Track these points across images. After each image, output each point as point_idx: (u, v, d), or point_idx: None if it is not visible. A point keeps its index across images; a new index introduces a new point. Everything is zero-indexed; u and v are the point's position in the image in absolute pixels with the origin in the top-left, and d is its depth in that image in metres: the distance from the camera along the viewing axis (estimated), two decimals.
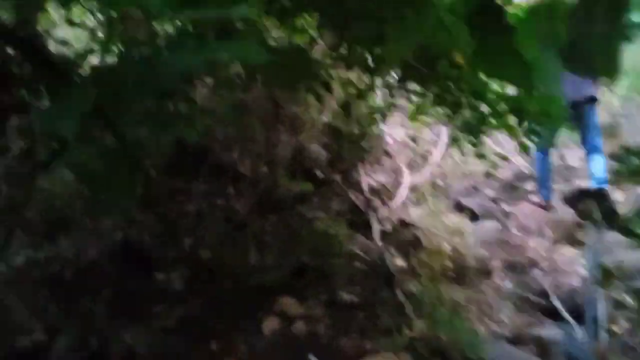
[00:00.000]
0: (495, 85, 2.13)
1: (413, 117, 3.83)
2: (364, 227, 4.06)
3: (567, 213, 4.91)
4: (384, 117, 4.45)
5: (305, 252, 3.55)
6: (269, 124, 4.29)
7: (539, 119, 2.03)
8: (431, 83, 2.58)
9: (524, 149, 2.98)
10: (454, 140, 3.91)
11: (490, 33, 1.50)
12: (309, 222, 3.82)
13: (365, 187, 4.45)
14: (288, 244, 3.59)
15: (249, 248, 3.49)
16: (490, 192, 5.42)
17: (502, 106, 2.13)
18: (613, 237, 4.37)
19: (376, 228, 3.96)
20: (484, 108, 2.31)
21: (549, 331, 3.15)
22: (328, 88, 2.34)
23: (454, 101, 2.70)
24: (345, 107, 3.88)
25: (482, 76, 1.93)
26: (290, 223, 3.82)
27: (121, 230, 3.37)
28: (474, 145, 2.78)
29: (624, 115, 6.88)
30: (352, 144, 4.49)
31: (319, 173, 4.33)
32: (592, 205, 5.10)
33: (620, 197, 5.30)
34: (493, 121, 2.28)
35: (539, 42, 1.50)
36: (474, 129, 2.74)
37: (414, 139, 5.42)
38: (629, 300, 3.57)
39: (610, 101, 7.15)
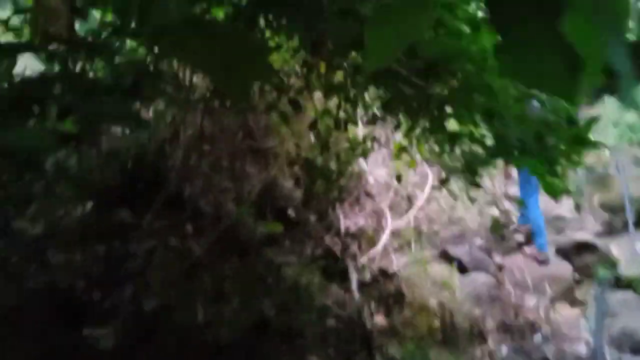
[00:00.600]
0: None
1: (397, 155, 3.39)
2: (340, 277, 3.54)
3: (564, 267, 4.47)
4: (365, 153, 3.99)
5: (270, 305, 3.00)
6: (237, 155, 3.81)
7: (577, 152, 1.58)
8: (421, 107, 2.13)
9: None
10: (442, 182, 3.47)
11: (527, 15, 1.04)
12: (276, 268, 3.29)
13: (342, 230, 3.95)
14: (250, 294, 3.04)
15: (203, 297, 2.93)
16: (479, 241, 4.96)
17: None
18: (617, 296, 3.92)
19: (354, 278, 3.44)
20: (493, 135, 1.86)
21: None
22: (297, 106, 1.87)
23: (450, 134, 2.26)
24: (323, 140, 3.42)
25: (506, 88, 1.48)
26: (254, 269, 3.28)
27: (47, 271, 2.80)
28: (474, 184, 2.32)
29: (615, 165, 6.58)
30: (330, 182, 4.02)
31: (291, 212, 3.83)
32: (591, 260, 4.68)
33: (615, 251, 4.89)
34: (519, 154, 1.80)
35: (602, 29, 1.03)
36: (474, 166, 2.29)
37: (398, 178, 4.98)
38: None
39: (600, 152, 6.87)
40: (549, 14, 1.00)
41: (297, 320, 2.88)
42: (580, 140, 1.58)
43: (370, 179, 4.95)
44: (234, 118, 3.92)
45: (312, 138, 3.70)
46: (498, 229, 2.01)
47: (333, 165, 3.96)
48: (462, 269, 4.27)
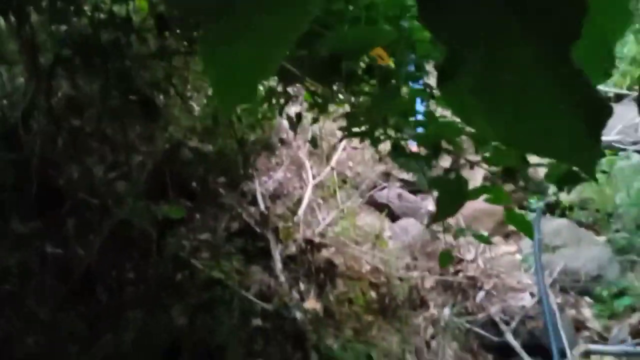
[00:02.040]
0: None
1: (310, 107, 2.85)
2: (262, 255, 3.09)
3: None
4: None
5: (182, 313, 2.52)
6: (119, 123, 3.12)
7: None
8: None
9: None
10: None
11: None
12: (183, 264, 2.77)
13: (260, 196, 3.45)
14: (156, 304, 2.54)
15: (92, 323, 2.40)
16: (407, 176, 4.65)
17: None
18: (552, 225, 3.79)
19: (277, 257, 3.00)
20: None
21: None
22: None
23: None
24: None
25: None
26: (158, 268, 2.75)
27: None
28: None
29: None
30: (238, 139, 3.45)
31: (195, 185, 3.26)
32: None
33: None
34: None
35: None
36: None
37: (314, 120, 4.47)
38: (588, 315, 2.97)
39: None
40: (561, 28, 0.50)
41: (216, 333, 2.43)
42: None
43: (285, 124, 4.41)
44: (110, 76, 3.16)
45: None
46: (446, 261, 1.60)
47: (241, 117, 3.36)
48: (392, 215, 3.97)
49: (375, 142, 1.27)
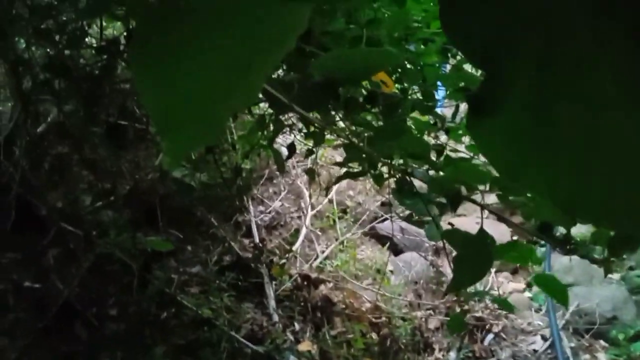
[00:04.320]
0: None
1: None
2: (255, 291, 2.90)
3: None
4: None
5: (164, 359, 2.32)
6: (107, 141, 2.97)
7: None
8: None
9: None
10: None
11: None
12: (170, 300, 2.58)
13: (254, 227, 3.28)
14: (136, 352, 2.34)
15: None
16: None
17: None
18: (562, 261, 3.59)
19: (271, 294, 2.81)
20: None
21: None
22: None
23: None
24: None
25: None
26: (141, 305, 2.56)
27: None
28: None
29: None
30: (233, 165, 3.29)
31: (187, 216, 3.09)
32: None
33: None
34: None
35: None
36: None
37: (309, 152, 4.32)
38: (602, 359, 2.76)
39: None
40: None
41: None
42: None
43: (284, 151, 4.26)
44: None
45: None
46: (457, 327, 1.42)
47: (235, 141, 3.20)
48: (395, 248, 3.78)
49: (378, 180, 1.10)
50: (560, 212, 0.95)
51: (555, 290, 1.11)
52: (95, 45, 2.10)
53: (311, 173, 2.81)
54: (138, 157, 2.98)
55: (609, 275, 3.44)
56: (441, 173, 0.97)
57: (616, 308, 3.02)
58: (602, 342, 2.92)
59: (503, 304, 1.58)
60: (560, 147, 0.36)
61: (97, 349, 2.40)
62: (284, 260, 3.06)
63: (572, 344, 2.81)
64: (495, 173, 0.93)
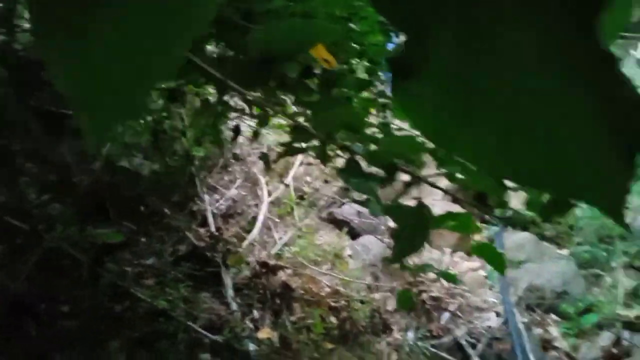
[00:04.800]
0: None
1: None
2: (213, 281, 2.86)
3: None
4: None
5: (120, 353, 2.26)
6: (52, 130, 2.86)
7: None
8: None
9: None
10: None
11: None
12: (124, 294, 2.52)
13: (210, 216, 3.23)
14: (90, 348, 2.27)
15: None
16: None
17: None
18: (514, 239, 3.70)
19: (229, 283, 2.78)
20: None
21: None
22: None
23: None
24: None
25: None
26: (94, 300, 2.48)
27: None
28: None
29: None
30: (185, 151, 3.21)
31: (139, 206, 3.00)
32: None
33: None
34: None
35: None
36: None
37: (255, 134, 4.27)
38: (555, 334, 2.86)
39: None
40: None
41: None
42: None
43: (239, 139, 4.20)
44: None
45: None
46: (406, 302, 1.42)
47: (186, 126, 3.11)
48: (353, 233, 3.80)
49: (324, 158, 1.09)
50: (493, 181, 0.96)
51: (493, 258, 1.13)
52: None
53: (265, 158, 2.78)
54: (84, 147, 2.87)
55: (559, 252, 3.57)
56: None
57: (566, 283, 3.14)
58: (553, 316, 3.02)
59: (448, 277, 1.60)
60: (482, 110, 0.35)
61: (50, 345, 2.32)
62: (240, 249, 3.03)
63: (525, 319, 2.90)
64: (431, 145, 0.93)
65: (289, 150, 1.14)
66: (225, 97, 1.35)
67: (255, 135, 1.46)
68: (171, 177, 3.09)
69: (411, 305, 1.40)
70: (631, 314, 2.63)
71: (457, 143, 0.38)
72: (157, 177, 3.01)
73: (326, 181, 4.33)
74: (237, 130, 1.61)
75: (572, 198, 0.71)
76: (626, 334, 2.55)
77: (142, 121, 3.25)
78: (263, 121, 1.29)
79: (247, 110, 1.55)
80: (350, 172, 1.01)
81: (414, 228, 0.95)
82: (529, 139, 0.33)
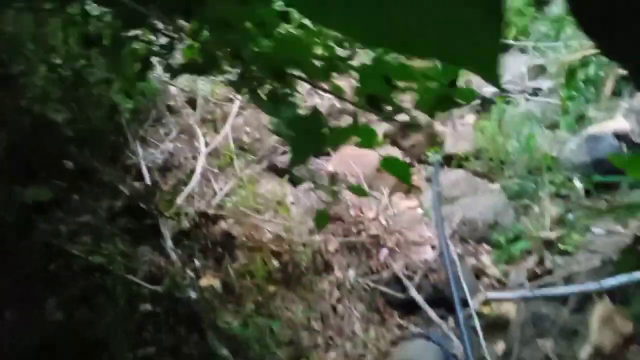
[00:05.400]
0: None
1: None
2: (152, 234, 2.82)
3: (394, 154, 4.25)
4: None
5: (57, 312, 2.23)
6: None
7: None
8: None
9: None
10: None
11: None
12: (58, 252, 2.45)
13: (145, 169, 3.15)
14: (26, 309, 2.22)
15: None
16: None
17: None
18: (450, 177, 3.82)
19: (167, 234, 2.75)
20: None
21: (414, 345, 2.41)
22: None
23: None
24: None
25: None
26: (28, 259, 2.41)
27: None
28: None
29: None
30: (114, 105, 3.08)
31: (68, 163, 2.89)
32: (417, 141, 4.54)
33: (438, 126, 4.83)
34: None
35: None
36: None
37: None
38: (487, 262, 3.02)
39: None
40: None
41: (98, 324, 2.17)
42: None
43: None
44: None
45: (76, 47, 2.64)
46: (322, 221, 1.45)
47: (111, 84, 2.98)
48: (294, 179, 3.81)
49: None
50: (382, 82, 0.96)
51: (399, 170, 1.16)
52: None
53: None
54: (8, 100, 2.71)
55: (491, 186, 3.72)
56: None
57: (497, 214, 3.29)
58: (485, 246, 3.18)
59: (357, 191, 1.62)
60: None
61: None
62: (180, 197, 2.99)
63: (459, 250, 3.04)
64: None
65: (184, 69, 1.11)
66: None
67: (168, 69, 1.36)
68: (97, 130, 2.98)
69: (326, 222, 1.44)
70: (552, 235, 2.81)
71: (331, 15, 0.37)
72: (80, 131, 2.89)
73: (266, 130, 4.30)
74: (147, 63, 1.53)
75: (446, 61, 0.72)
76: (548, 254, 2.73)
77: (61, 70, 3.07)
78: (169, 49, 1.24)
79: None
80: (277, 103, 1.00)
81: (308, 132, 0.95)
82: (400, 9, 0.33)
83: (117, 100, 2.94)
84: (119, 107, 3.00)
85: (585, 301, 2.07)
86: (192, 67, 1.08)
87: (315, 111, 0.97)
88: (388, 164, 1.14)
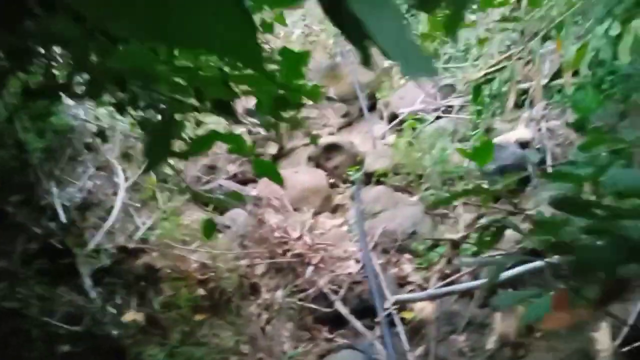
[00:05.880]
0: None
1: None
2: (70, 274, 2.75)
3: (318, 176, 4.37)
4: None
5: None
6: None
7: None
8: None
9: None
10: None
11: None
12: None
13: (60, 209, 3.07)
14: None
15: None
16: (232, 167, 4.56)
17: None
18: (371, 194, 3.96)
19: (85, 273, 2.69)
20: None
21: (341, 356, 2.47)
22: None
23: None
24: None
25: None
26: None
27: None
28: None
29: (340, 53, 6.61)
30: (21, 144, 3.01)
31: None
32: (340, 161, 4.68)
33: (360, 146, 5.01)
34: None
35: None
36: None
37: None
38: (409, 270, 3.14)
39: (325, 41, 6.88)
40: None
41: None
42: None
43: (91, 127, 4.00)
44: None
45: None
46: (209, 231, 1.50)
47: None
48: (220, 208, 3.83)
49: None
50: (217, 85, 1.04)
51: (271, 172, 1.24)
52: None
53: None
54: None
55: (410, 199, 3.89)
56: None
57: (415, 224, 3.44)
58: (406, 255, 3.31)
59: (236, 197, 1.69)
60: None
61: None
62: (99, 235, 2.93)
63: (382, 261, 3.15)
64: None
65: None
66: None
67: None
68: (3, 171, 2.89)
69: (213, 231, 1.49)
70: (455, 236, 2.99)
71: (114, 14, 0.43)
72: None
73: (188, 161, 4.30)
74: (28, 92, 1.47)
75: (213, 51, 0.80)
76: (454, 255, 2.89)
77: None
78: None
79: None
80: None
81: (160, 139, 1.01)
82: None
83: (24, 139, 2.87)
84: (27, 147, 2.92)
85: (491, 295, 2.21)
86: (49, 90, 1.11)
87: (170, 118, 1.03)
88: (259, 166, 1.22)
